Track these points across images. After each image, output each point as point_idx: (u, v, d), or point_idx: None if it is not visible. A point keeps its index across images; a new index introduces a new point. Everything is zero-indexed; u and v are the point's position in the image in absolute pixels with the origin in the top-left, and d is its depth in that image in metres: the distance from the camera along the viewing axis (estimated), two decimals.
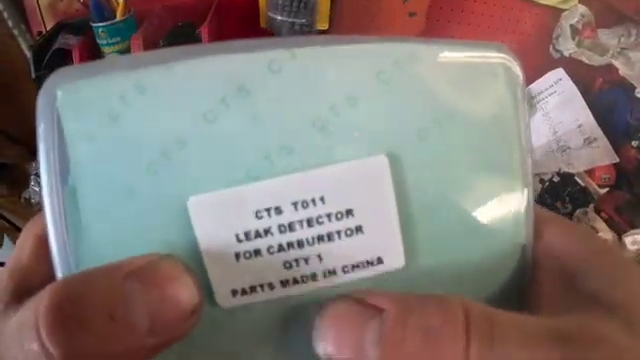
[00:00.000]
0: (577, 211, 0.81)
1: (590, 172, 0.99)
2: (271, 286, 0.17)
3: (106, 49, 0.83)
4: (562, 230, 0.22)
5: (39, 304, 0.15)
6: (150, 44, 0.81)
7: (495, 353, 0.14)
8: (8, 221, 1.15)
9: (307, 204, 0.16)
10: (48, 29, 0.89)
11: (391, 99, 0.18)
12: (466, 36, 1.04)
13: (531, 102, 1.03)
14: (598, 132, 0.99)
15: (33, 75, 0.83)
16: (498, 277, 0.19)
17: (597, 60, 1.00)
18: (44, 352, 0.14)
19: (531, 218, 0.21)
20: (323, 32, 0.87)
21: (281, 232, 0.17)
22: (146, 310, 0.14)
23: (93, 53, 0.83)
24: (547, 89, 1.00)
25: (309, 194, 0.16)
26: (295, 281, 0.17)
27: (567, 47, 1.00)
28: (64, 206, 0.17)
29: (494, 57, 0.21)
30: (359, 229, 0.17)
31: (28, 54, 0.90)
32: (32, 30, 0.90)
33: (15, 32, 0.89)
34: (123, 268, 0.15)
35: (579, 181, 0.83)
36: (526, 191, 0.21)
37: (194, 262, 0.16)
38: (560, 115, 0.99)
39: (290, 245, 0.17)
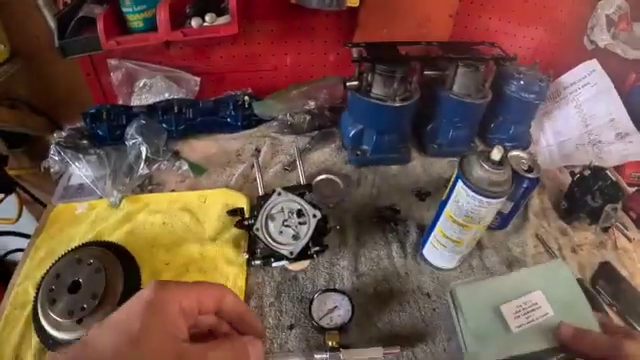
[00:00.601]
0: (607, 206, 0.78)
1: (620, 170, 0.96)
2: None
3: (131, 17, 0.83)
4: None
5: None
6: (176, 12, 0.81)
7: None
8: (28, 192, 1.16)
9: None
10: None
11: None
12: (499, 21, 1.01)
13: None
14: (631, 127, 0.96)
15: (57, 43, 0.83)
16: None
17: (632, 54, 0.96)
18: None
19: None
20: (354, 9, 0.85)
21: None
22: None
23: (117, 21, 0.83)
24: (580, 80, 0.97)
25: None
26: None
27: (602, 38, 0.97)
28: None
29: None
30: None
31: (52, 25, 0.89)
32: (58, 1, 0.90)
33: (39, 2, 0.89)
34: None
35: (610, 175, 0.80)
36: None
37: None
38: (593, 108, 0.96)
39: None
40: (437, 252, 0.71)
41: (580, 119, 0.96)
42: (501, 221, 0.79)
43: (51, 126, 1.11)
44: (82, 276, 0.65)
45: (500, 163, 0.57)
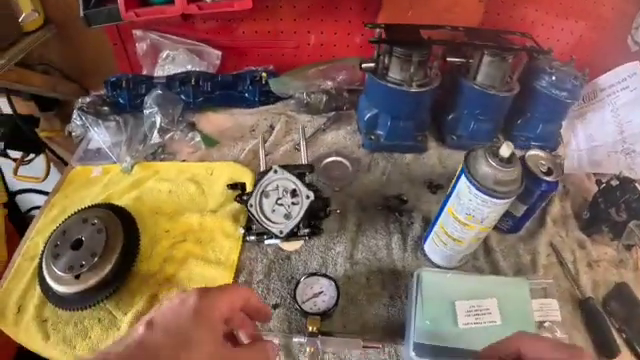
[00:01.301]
0: (632, 222, 0.71)
1: None
2: None
3: None
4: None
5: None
6: None
7: None
8: (55, 154, 1.22)
9: None
10: None
11: None
12: (536, 11, 0.94)
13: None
14: None
15: (81, 13, 0.85)
16: None
17: None
18: None
19: None
20: None
21: None
22: None
23: None
24: (619, 83, 0.88)
25: None
26: None
27: None
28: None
29: None
30: None
31: None
32: None
33: None
34: None
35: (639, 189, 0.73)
36: None
37: None
38: (630, 114, 0.87)
39: None
40: (437, 249, 0.68)
41: (615, 125, 0.88)
42: (513, 224, 0.74)
43: (81, 92, 1.15)
44: (85, 235, 0.68)
45: (509, 161, 0.53)
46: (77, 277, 0.63)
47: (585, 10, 0.93)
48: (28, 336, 0.64)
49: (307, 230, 0.64)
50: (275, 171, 0.65)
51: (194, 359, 0.36)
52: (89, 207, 0.76)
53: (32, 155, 1.18)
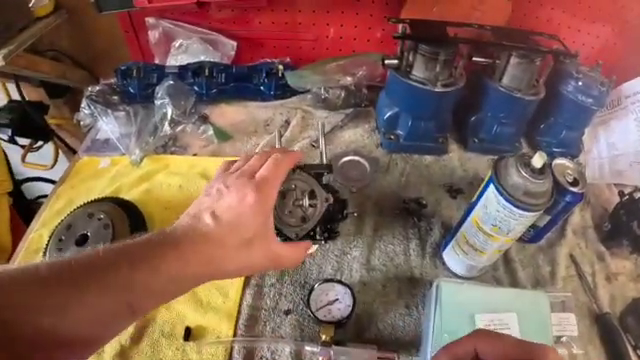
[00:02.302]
0: None
1: None
2: None
3: None
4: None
5: None
6: None
7: None
8: (63, 141, 1.20)
9: None
10: None
11: None
12: (563, 13, 0.91)
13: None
14: None
15: None
16: None
17: None
18: None
19: None
20: None
21: None
22: None
23: None
24: None
25: None
26: None
27: None
28: None
29: None
30: None
31: None
32: None
33: None
34: None
35: None
36: None
37: None
38: None
39: None
40: (457, 258, 0.65)
41: (639, 134, 0.85)
42: (534, 234, 0.71)
43: (91, 79, 1.13)
44: (91, 230, 0.66)
45: (541, 172, 0.50)
46: None
47: (612, 15, 0.90)
48: None
49: (324, 234, 0.61)
50: (294, 171, 0.63)
51: (254, 255, 0.43)
52: (95, 200, 0.74)
53: (40, 142, 1.16)
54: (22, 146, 1.13)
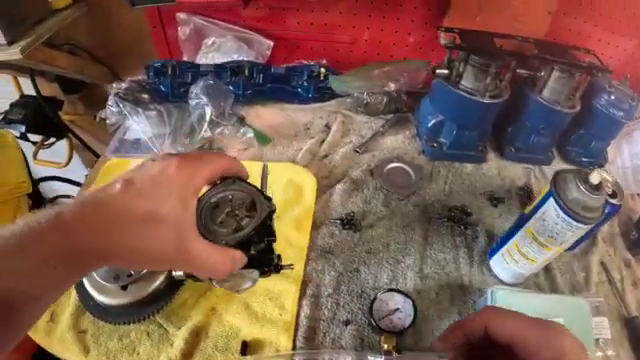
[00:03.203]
0: None
1: None
2: None
3: None
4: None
5: None
6: None
7: None
8: (81, 140, 1.14)
9: None
10: None
11: None
12: (595, 26, 0.93)
13: None
14: None
15: None
16: None
17: None
18: None
19: None
20: None
21: None
22: None
23: None
24: None
25: None
26: None
27: None
28: None
29: None
30: None
31: None
32: None
33: None
34: None
35: None
36: None
37: None
38: None
39: None
40: (506, 266, 0.66)
41: None
42: (574, 243, 0.74)
43: (110, 76, 1.08)
44: None
45: (597, 187, 0.53)
46: (124, 288, 0.58)
47: (638, 28, 0.93)
48: (64, 347, 0.58)
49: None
50: (233, 181, 0.50)
51: (160, 237, 0.35)
52: None
53: (53, 139, 1.10)
54: (33, 142, 1.07)
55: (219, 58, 0.93)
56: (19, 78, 1.07)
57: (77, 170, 1.14)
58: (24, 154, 1.01)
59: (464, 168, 0.85)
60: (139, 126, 0.86)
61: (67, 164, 1.14)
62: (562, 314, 0.57)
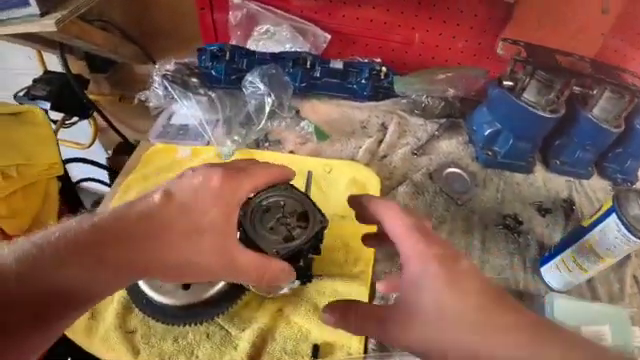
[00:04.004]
0: None
1: None
2: None
3: None
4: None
5: None
6: None
7: None
8: (108, 121, 1.07)
9: None
10: None
11: None
12: (630, 51, 0.98)
13: None
14: None
15: None
16: None
17: None
18: None
19: None
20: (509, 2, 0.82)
21: None
22: None
23: None
24: None
25: None
26: None
27: None
28: None
29: None
30: None
31: None
32: None
33: None
34: None
35: None
36: None
37: None
38: None
39: None
40: (558, 274, 0.70)
41: None
42: None
43: (142, 56, 1.02)
44: None
45: None
46: (186, 287, 0.55)
47: None
48: (108, 347, 0.55)
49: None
50: (285, 188, 0.50)
51: (203, 249, 0.34)
52: None
53: (75, 118, 1.03)
54: (54, 121, 0.99)
55: (271, 46, 0.90)
56: (44, 52, 0.99)
57: (97, 151, 1.07)
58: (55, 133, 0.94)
59: (514, 177, 0.87)
60: (189, 111, 0.82)
61: (90, 145, 1.06)
62: (608, 322, 0.61)
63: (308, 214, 0.46)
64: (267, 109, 0.79)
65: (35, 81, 0.99)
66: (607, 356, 0.31)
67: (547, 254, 0.72)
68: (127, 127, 0.95)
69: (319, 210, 0.47)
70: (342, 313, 0.38)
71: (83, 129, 1.06)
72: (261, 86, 0.79)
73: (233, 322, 0.57)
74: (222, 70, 0.84)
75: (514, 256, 0.75)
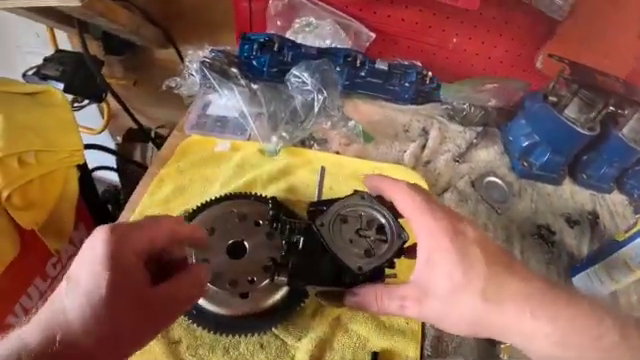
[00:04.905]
0: None
1: None
2: None
3: None
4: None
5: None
6: None
7: None
8: (124, 105, 0.99)
9: None
10: None
11: None
12: None
13: None
14: None
15: None
16: None
17: None
18: None
19: None
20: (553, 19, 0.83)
21: None
22: None
23: None
24: None
25: None
26: None
27: None
28: None
29: None
30: None
31: None
32: None
33: None
34: None
35: None
36: None
37: None
38: None
39: None
40: (590, 285, 0.73)
41: None
42: None
43: (162, 40, 0.95)
44: (249, 239, 0.55)
45: None
46: (244, 296, 0.52)
47: None
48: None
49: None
50: (362, 197, 0.49)
51: (112, 315, 0.32)
52: (235, 196, 0.62)
53: (86, 101, 0.94)
54: None
55: (310, 40, 0.87)
56: (55, 30, 0.90)
57: (104, 139, 0.99)
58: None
59: (545, 188, 0.90)
60: (230, 102, 0.78)
61: (102, 131, 0.98)
62: None
63: (385, 227, 0.45)
64: (317, 106, 0.76)
65: (46, 60, 0.90)
66: (617, 316, 0.33)
67: (578, 265, 0.75)
68: (139, 114, 0.89)
69: (399, 224, 0.45)
70: (364, 295, 0.41)
71: (90, 113, 0.98)
72: (309, 81, 0.76)
73: (289, 331, 0.54)
74: (266, 61, 0.80)
75: (549, 266, 0.77)
